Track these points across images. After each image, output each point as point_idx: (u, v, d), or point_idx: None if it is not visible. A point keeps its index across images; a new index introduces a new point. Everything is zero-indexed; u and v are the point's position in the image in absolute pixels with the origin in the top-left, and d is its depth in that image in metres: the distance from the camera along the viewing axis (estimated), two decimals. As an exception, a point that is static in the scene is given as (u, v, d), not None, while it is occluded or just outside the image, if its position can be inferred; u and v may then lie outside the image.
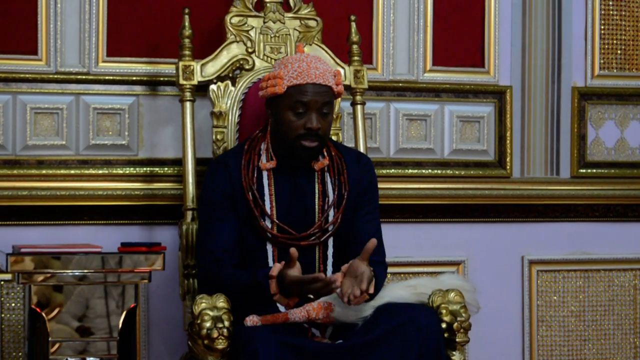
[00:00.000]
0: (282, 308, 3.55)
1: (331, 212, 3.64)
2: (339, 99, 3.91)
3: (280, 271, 3.40)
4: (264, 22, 4.10)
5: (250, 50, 4.06)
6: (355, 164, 3.72)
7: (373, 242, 3.40)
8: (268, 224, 3.60)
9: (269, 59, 4.08)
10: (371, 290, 3.41)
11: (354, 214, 3.68)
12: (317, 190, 3.66)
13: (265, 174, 3.64)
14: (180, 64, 4.00)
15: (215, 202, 3.62)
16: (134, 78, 4.22)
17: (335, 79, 3.60)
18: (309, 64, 3.57)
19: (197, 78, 4.00)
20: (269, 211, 3.60)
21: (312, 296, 3.42)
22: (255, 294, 3.46)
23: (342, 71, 4.11)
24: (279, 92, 3.55)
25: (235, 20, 4.07)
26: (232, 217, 3.61)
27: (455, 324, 3.48)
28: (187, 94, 4.00)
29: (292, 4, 4.15)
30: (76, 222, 4.16)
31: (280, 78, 3.55)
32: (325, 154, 3.69)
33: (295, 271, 3.37)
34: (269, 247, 3.62)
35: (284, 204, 3.62)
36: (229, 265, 3.59)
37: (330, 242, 3.66)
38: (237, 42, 4.07)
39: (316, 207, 3.65)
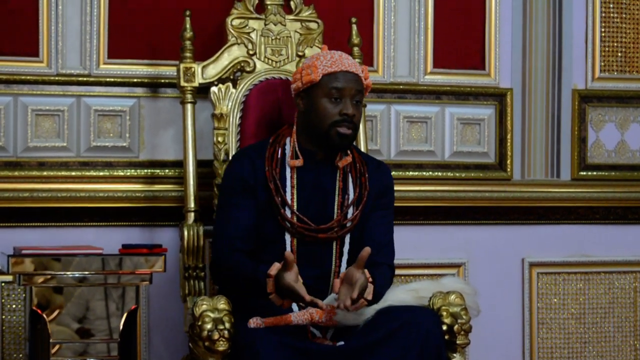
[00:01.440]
0: (295, 308, 3.56)
1: (350, 210, 3.68)
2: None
3: (279, 271, 3.41)
4: (265, 24, 4.10)
5: (251, 52, 4.07)
6: (376, 169, 3.78)
7: (367, 250, 3.43)
8: (288, 214, 3.63)
9: (270, 61, 4.08)
10: (369, 297, 3.43)
11: (370, 216, 3.72)
12: (337, 188, 3.70)
13: (288, 167, 3.68)
14: (181, 65, 4.00)
15: (234, 188, 3.67)
16: (135, 80, 4.22)
17: (363, 73, 3.68)
18: (340, 56, 3.66)
19: (198, 80, 4.01)
20: (289, 202, 3.63)
21: (303, 305, 3.45)
22: (254, 288, 3.48)
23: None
24: (315, 79, 3.61)
25: (236, 22, 4.07)
26: (250, 205, 3.65)
27: (456, 326, 3.48)
28: (188, 96, 4.00)
29: (293, 6, 4.16)
30: (77, 223, 4.16)
31: (315, 67, 3.62)
32: (349, 152, 3.73)
33: (292, 275, 3.39)
34: (288, 238, 3.64)
35: (304, 196, 3.66)
36: (240, 251, 3.61)
37: (347, 239, 3.69)
38: (238, 44, 4.07)
39: (335, 203, 3.68)
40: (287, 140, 3.72)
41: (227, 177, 3.74)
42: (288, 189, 3.66)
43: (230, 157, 3.95)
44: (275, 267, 3.43)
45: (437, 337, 3.44)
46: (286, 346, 3.32)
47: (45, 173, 4.12)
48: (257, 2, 4.12)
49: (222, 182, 3.80)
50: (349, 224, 3.67)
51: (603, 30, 4.78)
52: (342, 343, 3.45)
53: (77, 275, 3.47)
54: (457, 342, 3.48)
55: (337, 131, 3.60)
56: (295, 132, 3.71)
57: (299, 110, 3.70)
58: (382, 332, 3.41)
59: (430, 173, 4.57)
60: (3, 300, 4.10)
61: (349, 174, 3.72)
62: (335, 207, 3.68)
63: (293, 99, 3.73)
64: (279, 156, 3.69)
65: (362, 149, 4.13)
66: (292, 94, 3.73)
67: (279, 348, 3.29)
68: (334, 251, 3.66)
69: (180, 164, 4.15)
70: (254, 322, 3.47)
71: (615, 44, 4.80)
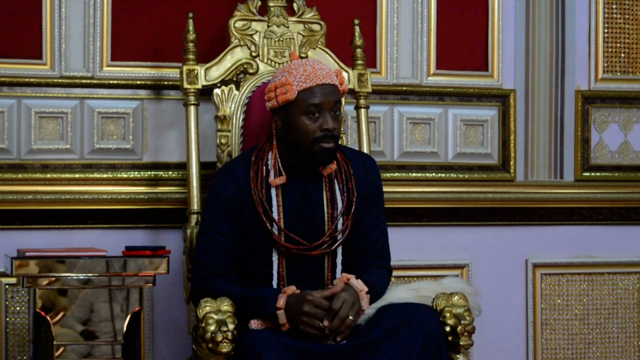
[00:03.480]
0: None
1: (340, 221, 3.63)
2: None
3: (293, 295, 3.45)
4: (268, 26, 4.10)
5: (254, 54, 4.07)
6: (362, 168, 3.71)
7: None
8: (278, 235, 3.58)
9: (273, 63, 4.08)
10: (365, 307, 3.47)
11: (360, 219, 3.67)
12: (325, 198, 3.64)
13: (273, 187, 3.64)
14: (185, 68, 4.00)
15: (219, 215, 3.60)
16: (138, 82, 4.23)
17: (338, 79, 3.60)
18: (313, 66, 3.57)
19: (201, 82, 4.01)
20: (278, 223, 3.58)
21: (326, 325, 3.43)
22: (250, 308, 3.49)
23: (345, 75, 4.12)
24: (291, 98, 3.52)
25: (239, 24, 4.08)
26: (234, 230, 3.60)
27: (459, 327, 3.48)
28: (191, 98, 4.00)
29: (296, 8, 4.16)
30: (81, 226, 4.16)
31: (289, 84, 3.53)
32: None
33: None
34: (275, 257, 3.60)
35: (293, 214, 3.61)
36: (222, 278, 3.58)
37: (340, 250, 3.64)
38: (241, 46, 4.07)
39: (325, 215, 3.63)
40: (269, 155, 3.65)
41: (211, 197, 3.64)
42: (275, 208, 3.60)
43: (231, 158, 3.95)
44: (282, 300, 3.43)
45: (437, 333, 3.42)
46: (288, 347, 3.31)
47: (48, 175, 4.13)
48: (259, 4, 4.12)
49: (207, 200, 3.69)
50: (340, 236, 3.63)
51: (606, 31, 4.78)
52: (344, 342, 3.44)
53: (81, 277, 3.48)
54: (461, 343, 3.48)
55: (320, 147, 3.53)
56: (276, 147, 3.64)
57: (276, 127, 3.63)
58: (383, 329, 3.40)
59: (434, 174, 4.57)
60: (7, 303, 4.11)
61: (335, 180, 3.66)
62: (326, 218, 3.63)
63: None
64: (263, 175, 3.62)
65: (365, 150, 4.11)
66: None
67: (280, 349, 3.29)
68: (325, 264, 3.63)
69: (183, 166, 4.15)
70: (255, 323, 3.47)
71: (618, 45, 4.80)
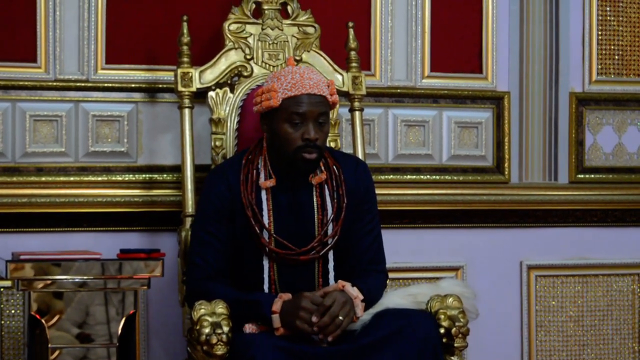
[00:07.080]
0: None
1: (330, 226, 3.62)
2: (335, 109, 3.97)
3: (285, 301, 3.44)
4: (262, 29, 4.11)
5: (248, 57, 4.07)
6: (353, 172, 3.69)
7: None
8: (267, 239, 3.58)
9: (268, 65, 4.08)
10: (359, 314, 3.45)
11: (353, 225, 3.66)
12: (315, 204, 3.63)
13: (264, 190, 3.64)
14: (179, 70, 4.00)
15: (211, 217, 3.60)
16: (133, 85, 4.23)
17: (329, 89, 3.57)
18: (302, 75, 3.53)
19: (196, 85, 4.01)
20: (268, 227, 3.59)
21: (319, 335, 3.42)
22: (245, 311, 3.48)
23: (339, 78, 4.13)
24: (274, 105, 3.50)
25: (233, 27, 4.08)
26: (227, 233, 3.59)
27: (454, 329, 3.48)
28: (186, 101, 4.01)
29: (290, 10, 4.16)
30: (75, 229, 4.16)
31: (275, 91, 3.51)
32: (323, 168, 3.64)
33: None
34: (266, 262, 3.59)
35: (282, 219, 3.60)
36: (217, 281, 3.58)
37: (331, 255, 3.63)
38: (236, 49, 4.08)
39: (315, 221, 3.62)
40: (260, 159, 3.63)
41: (203, 199, 3.64)
42: (265, 212, 3.59)
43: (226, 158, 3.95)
44: (278, 305, 3.42)
45: (434, 341, 3.41)
46: (282, 349, 3.31)
47: (43, 178, 4.13)
48: (254, 6, 4.12)
49: (199, 202, 3.70)
50: (330, 241, 3.61)
51: (600, 33, 4.78)
52: (338, 346, 3.44)
53: (76, 280, 3.48)
54: (455, 345, 3.48)
55: (302, 157, 3.50)
56: (266, 150, 3.63)
57: (264, 131, 3.62)
58: (378, 336, 3.39)
59: (428, 177, 4.57)
60: (2, 306, 4.11)
61: (326, 186, 3.64)
62: (316, 224, 3.61)
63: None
64: (253, 179, 3.61)
65: (360, 153, 4.12)
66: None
67: (274, 351, 3.28)
68: (316, 270, 3.62)
69: (178, 169, 4.15)
70: (249, 327, 3.47)
71: (612, 47, 4.81)
